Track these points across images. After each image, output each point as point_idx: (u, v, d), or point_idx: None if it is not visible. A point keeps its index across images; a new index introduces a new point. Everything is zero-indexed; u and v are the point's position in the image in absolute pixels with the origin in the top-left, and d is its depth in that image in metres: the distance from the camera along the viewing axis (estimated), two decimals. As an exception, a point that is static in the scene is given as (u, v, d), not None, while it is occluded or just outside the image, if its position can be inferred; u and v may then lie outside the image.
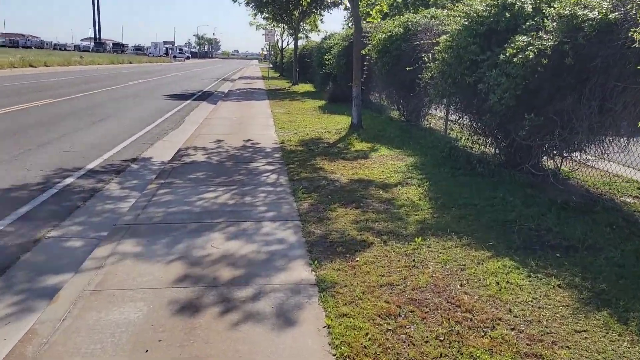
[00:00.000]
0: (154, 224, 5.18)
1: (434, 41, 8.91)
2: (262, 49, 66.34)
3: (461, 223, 5.30)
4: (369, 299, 3.66)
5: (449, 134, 10.05)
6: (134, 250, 4.50)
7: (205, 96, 22.45)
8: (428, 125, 11.53)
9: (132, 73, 40.71)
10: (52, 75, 32.66)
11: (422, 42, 10.14)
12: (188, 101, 19.67)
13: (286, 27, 35.74)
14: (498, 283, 3.93)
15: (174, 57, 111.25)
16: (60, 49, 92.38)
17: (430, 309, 3.54)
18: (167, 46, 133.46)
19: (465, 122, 8.35)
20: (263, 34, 38.16)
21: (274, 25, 36.33)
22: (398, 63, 12.09)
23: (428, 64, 8.64)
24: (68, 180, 7.16)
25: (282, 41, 42.99)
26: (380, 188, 6.65)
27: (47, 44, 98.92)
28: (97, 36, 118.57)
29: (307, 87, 27.91)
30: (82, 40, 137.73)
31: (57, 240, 4.97)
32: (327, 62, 18.90)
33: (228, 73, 50.41)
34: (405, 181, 7.03)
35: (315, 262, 4.29)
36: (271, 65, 55.93)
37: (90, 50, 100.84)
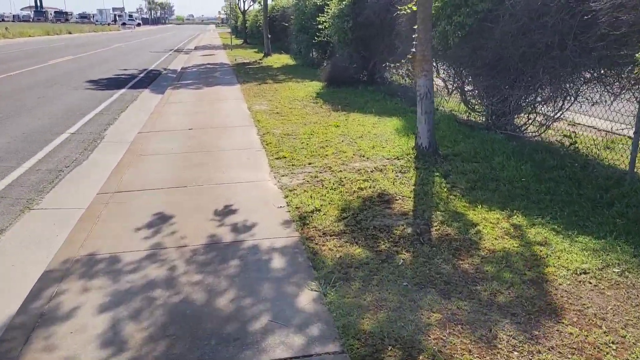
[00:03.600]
0: None
1: None
2: (220, 12, 58.77)
3: None
4: None
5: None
6: None
7: (149, 79, 16.11)
8: (562, 145, 5.94)
9: (64, 47, 33.27)
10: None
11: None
12: (122, 90, 13.43)
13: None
14: None
15: (123, 24, 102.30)
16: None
17: None
18: (116, 13, 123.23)
19: None
20: (222, -7, 31.42)
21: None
22: (487, 27, 6.51)
23: None
24: None
25: (244, 1, 36.14)
26: None
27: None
28: (39, 4, 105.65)
29: (284, 58, 21.78)
30: (22, 9, 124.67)
31: None
32: (322, 27, 12.94)
33: (182, 42, 43.06)
34: None
35: None
36: (229, 30, 48.71)
37: (30, 20, 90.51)
